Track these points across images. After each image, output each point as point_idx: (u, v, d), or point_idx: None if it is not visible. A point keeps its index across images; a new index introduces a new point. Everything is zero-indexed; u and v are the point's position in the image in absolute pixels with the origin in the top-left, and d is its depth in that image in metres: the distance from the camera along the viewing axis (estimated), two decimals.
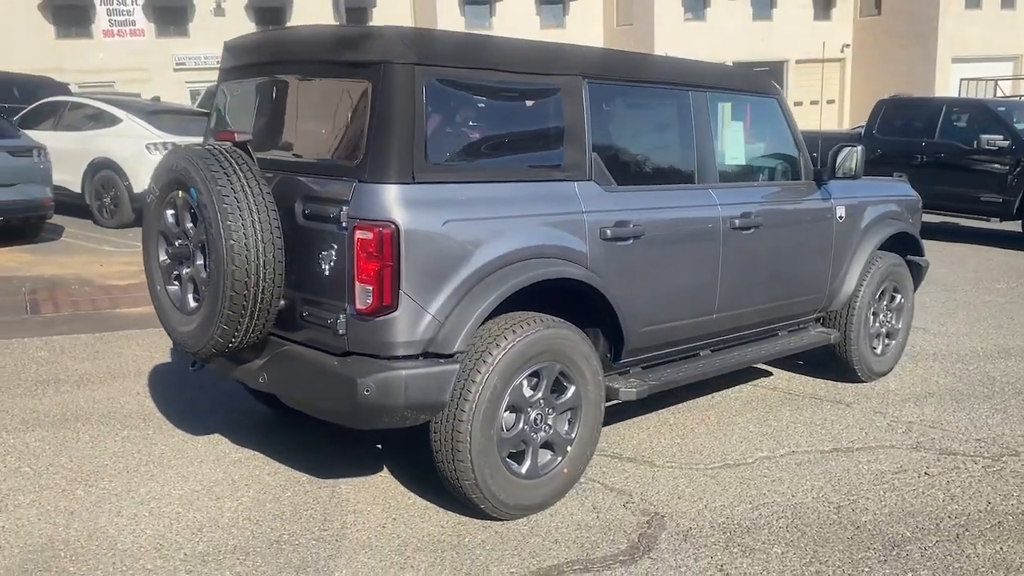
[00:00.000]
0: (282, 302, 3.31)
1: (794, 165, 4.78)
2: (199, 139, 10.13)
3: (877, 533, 3.44)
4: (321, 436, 4.24)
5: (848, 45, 36.73)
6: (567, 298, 3.61)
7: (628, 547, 3.29)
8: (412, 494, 3.71)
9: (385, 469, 3.97)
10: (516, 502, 3.42)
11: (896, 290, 5.44)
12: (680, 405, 4.90)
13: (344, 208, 3.06)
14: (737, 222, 4.23)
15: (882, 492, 3.83)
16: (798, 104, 36.20)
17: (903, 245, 5.49)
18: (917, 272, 5.67)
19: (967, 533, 3.46)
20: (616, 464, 4.09)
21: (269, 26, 32.49)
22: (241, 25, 30.50)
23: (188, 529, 3.36)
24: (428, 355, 3.16)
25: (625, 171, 3.93)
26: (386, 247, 2.98)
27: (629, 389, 3.86)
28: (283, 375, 3.40)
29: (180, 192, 3.31)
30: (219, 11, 30.93)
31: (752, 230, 4.33)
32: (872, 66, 35.15)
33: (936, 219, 12.50)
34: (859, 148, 4.66)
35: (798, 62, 35.87)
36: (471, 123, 3.40)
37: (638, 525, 3.47)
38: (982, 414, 4.83)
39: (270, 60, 3.60)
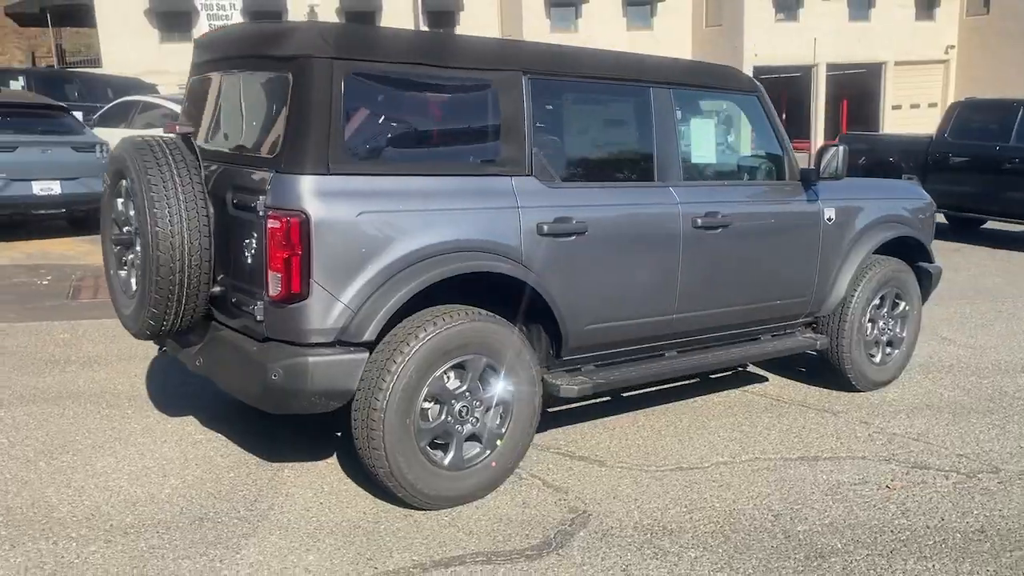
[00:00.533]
0: (217, 288, 3.44)
1: (778, 165, 4.64)
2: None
3: (806, 543, 3.33)
4: (287, 422, 4.36)
5: (953, 46, 35.06)
6: (505, 293, 3.61)
7: (540, 543, 3.28)
8: (349, 480, 3.78)
9: (335, 456, 4.05)
10: (436, 492, 3.44)
11: (899, 297, 5.21)
12: (657, 407, 4.83)
13: (262, 197, 3.16)
14: (701, 221, 4.14)
15: (831, 503, 3.69)
16: (896, 108, 34.84)
17: (910, 250, 5.26)
18: (927, 279, 5.42)
19: (904, 549, 3.30)
20: (565, 461, 4.06)
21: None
22: None
23: (125, 503, 3.52)
24: (341, 343, 3.23)
25: (572, 167, 3.92)
26: (294, 236, 3.06)
27: (571, 386, 3.83)
28: (213, 359, 3.53)
29: (124, 181, 3.48)
30: (312, 15, 31.86)
31: (720, 230, 4.23)
32: (979, 68, 33.46)
33: (1019, 228, 11.88)
34: (841, 148, 4.49)
35: (897, 64, 34.47)
36: (396, 116, 3.45)
37: (560, 522, 3.45)
38: (977, 429, 4.59)
39: (220, 56, 3.74)
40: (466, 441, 3.55)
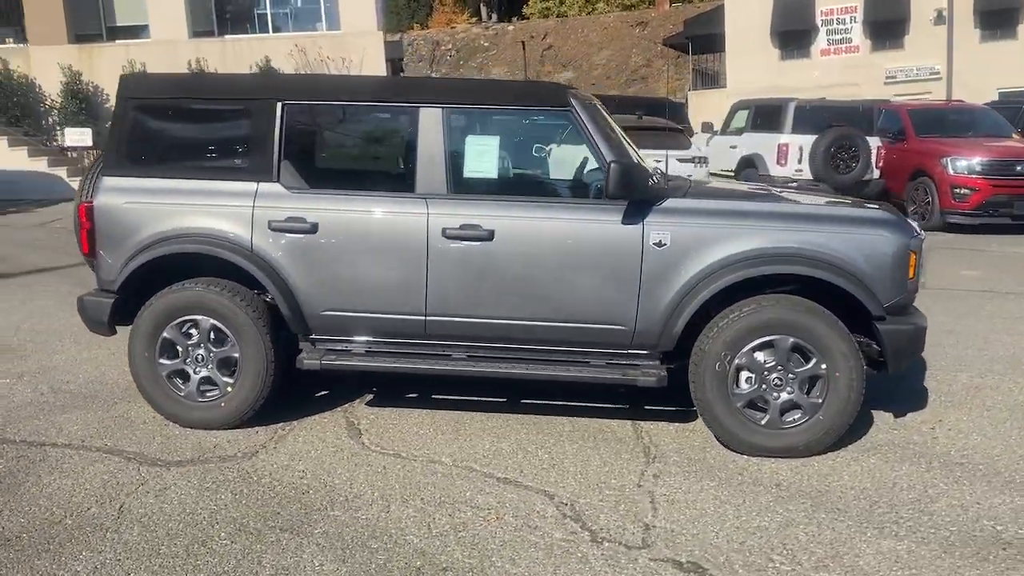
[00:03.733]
0: None
1: (596, 180, 4.36)
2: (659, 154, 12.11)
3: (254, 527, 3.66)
4: None
5: None
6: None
7: (178, 460, 4.28)
8: None
9: None
10: (174, 414, 4.64)
11: (807, 352, 4.20)
12: (529, 416, 4.92)
13: None
14: (451, 231, 4.35)
15: (401, 507, 3.75)
16: None
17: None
18: (888, 342, 4.20)
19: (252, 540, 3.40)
20: (332, 427, 4.75)
21: (996, 31, 29.77)
22: (965, 33, 28.85)
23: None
24: (118, 292, 4.69)
25: (320, 177, 4.60)
26: (83, 215, 4.67)
27: (301, 359, 4.57)
28: None
29: None
30: (939, 20, 29.69)
31: (479, 243, 4.35)
32: None
33: None
34: (612, 167, 4.04)
35: None
36: (169, 136, 4.67)
37: (212, 453, 4.36)
38: (750, 515, 3.70)
39: None
40: (209, 383, 4.66)
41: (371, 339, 4.62)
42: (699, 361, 4.30)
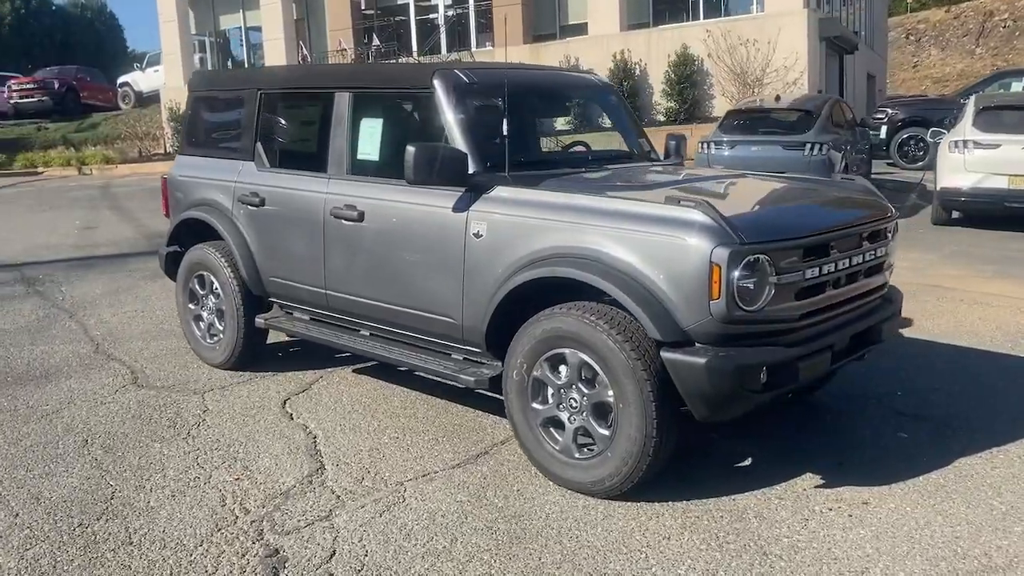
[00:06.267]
0: None
1: None
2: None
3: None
4: None
5: None
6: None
7: (147, 377, 5.29)
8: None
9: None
10: (198, 352, 5.66)
11: (594, 372, 3.54)
12: (454, 405, 4.93)
13: None
14: (336, 211, 4.58)
15: (167, 449, 4.22)
16: None
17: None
18: (673, 376, 3.35)
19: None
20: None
21: None
22: None
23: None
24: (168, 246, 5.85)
25: (277, 156, 5.10)
26: (163, 186, 5.90)
27: (257, 315, 5.23)
28: None
29: None
30: None
31: (353, 223, 4.51)
32: None
33: None
34: (410, 149, 3.81)
35: None
36: (208, 121, 5.58)
37: (158, 386, 5.25)
38: (405, 549, 3.38)
39: None
40: (213, 328, 5.57)
41: (300, 305, 5.06)
42: (506, 367, 3.89)
